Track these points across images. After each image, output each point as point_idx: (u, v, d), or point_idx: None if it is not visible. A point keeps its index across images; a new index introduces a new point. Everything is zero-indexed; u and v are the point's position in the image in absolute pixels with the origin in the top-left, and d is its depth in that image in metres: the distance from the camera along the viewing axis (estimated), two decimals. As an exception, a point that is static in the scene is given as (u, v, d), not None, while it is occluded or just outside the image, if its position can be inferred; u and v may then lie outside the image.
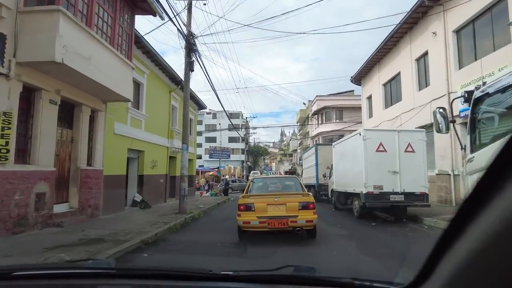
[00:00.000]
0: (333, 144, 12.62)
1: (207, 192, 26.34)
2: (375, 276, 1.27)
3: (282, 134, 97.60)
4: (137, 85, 13.15)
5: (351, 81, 23.73)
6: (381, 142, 9.11)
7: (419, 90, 14.72)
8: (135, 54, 12.30)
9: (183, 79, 14.54)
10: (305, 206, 6.11)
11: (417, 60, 14.89)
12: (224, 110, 23.13)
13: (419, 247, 5.71)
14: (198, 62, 11.70)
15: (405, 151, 9.03)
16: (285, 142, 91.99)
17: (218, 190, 25.04)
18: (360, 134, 9.42)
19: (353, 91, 43.75)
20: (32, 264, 3.37)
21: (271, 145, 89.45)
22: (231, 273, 1.27)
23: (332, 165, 13.15)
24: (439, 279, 0.70)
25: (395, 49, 16.92)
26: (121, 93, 9.30)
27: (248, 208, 6.14)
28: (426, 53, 13.97)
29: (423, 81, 14.54)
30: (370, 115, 21.69)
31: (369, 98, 21.82)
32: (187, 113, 11.94)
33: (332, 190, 12.86)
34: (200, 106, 22.25)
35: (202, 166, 48.91)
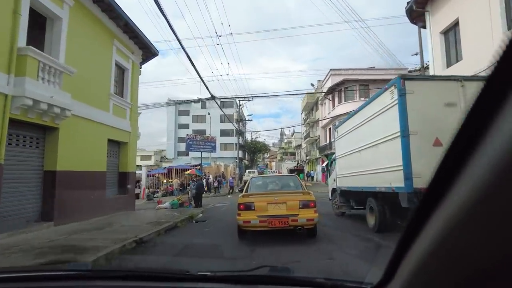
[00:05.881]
0: None
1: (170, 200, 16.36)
2: (347, 276, 1.46)
3: (282, 134, 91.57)
4: None
5: (408, 13, 14.05)
6: None
7: None
8: None
9: None
10: (305, 205, 5.91)
11: None
12: (196, 70, 13.39)
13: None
14: None
15: None
16: (285, 140, 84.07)
17: (186, 198, 15.23)
18: None
19: (373, 68, 34.39)
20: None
21: (271, 145, 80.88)
22: (208, 273, 1.26)
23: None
24: (403, 275, 0.72)
25: None
26: None
27: (248, 207, 5.96)
28: None
29: None
30: (450, 62, 12.03)
31: (448, 31, 12.15)
32: None
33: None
34: (146, 47, 12.39)
35: (190, 164, 39.04)
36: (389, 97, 5.90)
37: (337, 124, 12.44)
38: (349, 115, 8.78)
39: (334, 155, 11.01)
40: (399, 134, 5.48)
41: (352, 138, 8.15)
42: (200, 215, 11.22)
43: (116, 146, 11.18)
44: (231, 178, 29.56)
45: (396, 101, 5.58)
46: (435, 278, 0.60)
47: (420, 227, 0.62)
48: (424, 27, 14.15)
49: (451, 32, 11.92)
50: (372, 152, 6.76)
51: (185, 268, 1.31)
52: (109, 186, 10.45)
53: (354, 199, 8.86)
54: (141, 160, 63.13)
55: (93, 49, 9.40)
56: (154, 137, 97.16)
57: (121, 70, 11.42)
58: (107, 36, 10.15)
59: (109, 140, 10.32)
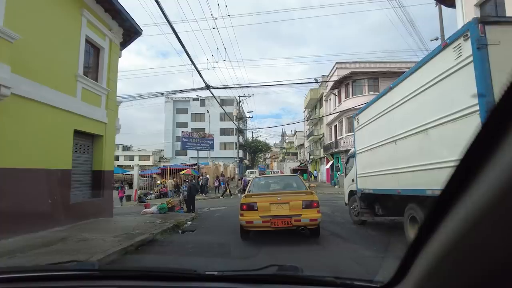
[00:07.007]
0: None
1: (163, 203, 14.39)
2: (356, 275, 1.34)
3: (283, 134, 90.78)
4: None
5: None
6: None
7: None
8: None
9: None
10: (308, 205, 5.88)
11: None
12: (187, 53, 11.44)
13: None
14: None
15: None
16: (287, 140, 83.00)
17: (177, 201, 13.33)
18: None
19: (381, 62, 32.59)
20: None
21: (272, 145, 79.61)
22: (215, 273, 1.25)
23: None
24: (415, 276, 0.71)
25: None
26: None
27: (251, 207, 5.93)
28: None
29: None
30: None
31: (485, 2, 10.21)
32: None
33: None
34: (126, 24, 10.51)
35: (186, 163, 37.13)
36: (452, 56, 3.96)
37: (358, 111, 10.49)
38: (377, 96, 6.85)
39: (351, 151, 9.08)
40: (476, 109, 3.55)
41: (383, 125, 6.21)
42: (189, 222, 9.31)
43: (89, 140, 9.28)
44: (245, 177, 27.51)
45: (469, 60, 3.65)
46: (449, 279, 0.57)
47: (435, 227, 0.59)
48: (452, 5, 12.28)
49: (490, 2, 9.98)
50: (419, 141, 4.82)
51: (192, 267, 1.28)
52: (77, 187, 8.56)
53: (382, 204, 6.94)
54: (139, 160, 61.53)
55: (52, 16, 7.51)
56: (154, 137, 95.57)
57: (95, 49, 9.52)
58: (73, 3, 8.26)
59: (77, 132, 8.42)
